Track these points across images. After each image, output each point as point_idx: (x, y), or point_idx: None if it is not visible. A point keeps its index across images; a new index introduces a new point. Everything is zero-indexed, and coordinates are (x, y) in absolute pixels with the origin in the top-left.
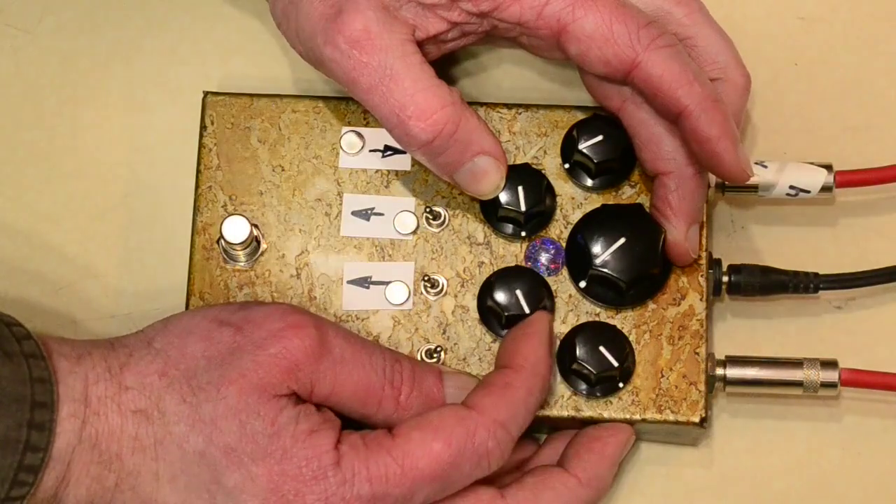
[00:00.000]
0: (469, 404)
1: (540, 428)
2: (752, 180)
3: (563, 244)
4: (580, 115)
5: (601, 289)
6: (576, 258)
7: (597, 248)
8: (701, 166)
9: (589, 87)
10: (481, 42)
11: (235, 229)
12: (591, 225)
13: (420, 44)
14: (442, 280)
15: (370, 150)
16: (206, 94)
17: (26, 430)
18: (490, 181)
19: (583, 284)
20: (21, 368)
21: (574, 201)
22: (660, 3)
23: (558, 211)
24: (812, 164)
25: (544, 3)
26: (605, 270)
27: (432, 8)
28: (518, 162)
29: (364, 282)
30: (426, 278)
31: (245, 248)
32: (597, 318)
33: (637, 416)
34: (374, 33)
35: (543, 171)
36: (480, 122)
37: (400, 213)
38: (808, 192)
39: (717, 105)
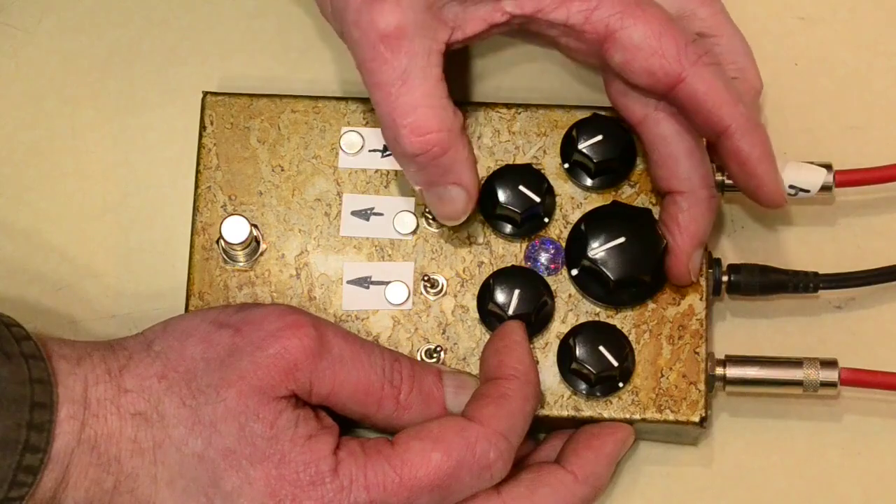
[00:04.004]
0: (469, 416)
1: (540, 428)
2: None
3: (563, 244)
4: (580, 115)
5: (590, 280)
6: (575, 246)
7: (595, 241)
8: (738, 186)
9: (612, 95)
10: (509, 36)
11: (235, 229)
12: (597, 218)
13: (451, 44)
14: (442, 280)
15: (370, 150)
16: (205, 94)
17: (25, 431)
18: (454, 209)
19: (574, 272)
20: (21, 369)
21: (574, 201)
22: (685, 2)
23: (558, 211)
24: (812, 163)
25: (593, 7)
26: (597, 263)
27: (475, 9)
28: (518, 162)
29: (364, 282)
30: (426, 278)
31: (245, 249)
32: (596, 318)
33: (637, 416)
34: (407, 34)
35: (543, 171)
36: (469, 156)
37: (399, 213)
38: (808, 191)
39: (759, 127)
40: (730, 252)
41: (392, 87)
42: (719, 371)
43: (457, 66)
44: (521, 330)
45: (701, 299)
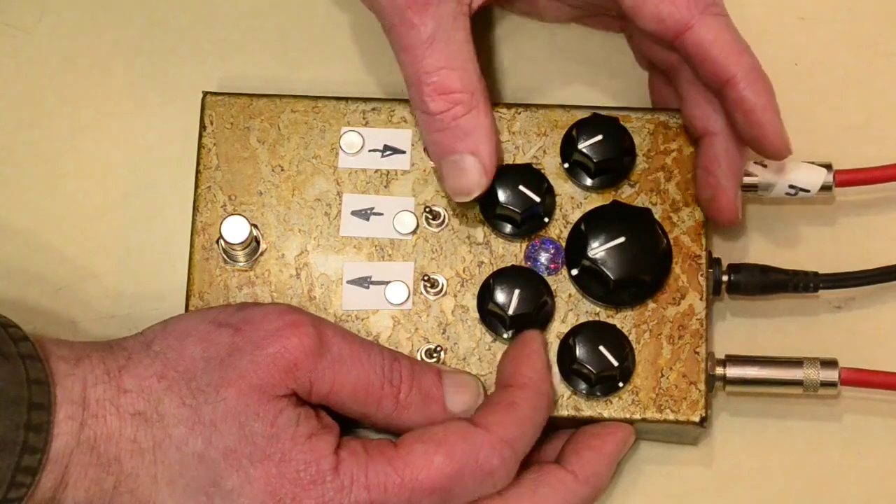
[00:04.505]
0: (475, 422)
1: None
2: (752, 180)
3: (563, 244)
4: (579, 115)
5: (590, 280)
6: (575, 245)
7: (595, 241)
8: (743, 138)
9: (640, 45)
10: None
11: (235, 229)
12: (597, 218)
13: (477, 6)
14: (442, 280)
15: (369, 150)
16: (205, 94)
17: (23, 432)
18: (468, 182)
19: (574, 272)
20: (18, 370)
21: (574, 201)
22: None
23: (558, 210)
24: (812, 163)
25: None
26: (597, 263)
27: None
28: (518, 161)
29: (364, 282)
30: (426, 278)
31: (245, 249)
32: (596, 318)
33: (637, 416)
34: None
35: (543, 171)
36: (490, 127)
37: (399, 213)
38: (808, 191)
39: (763, 77)
40: (730, 251)
41: (418, 49)
42: (719, 371)
43: None
44: (539, 339)
45: (701, 299)
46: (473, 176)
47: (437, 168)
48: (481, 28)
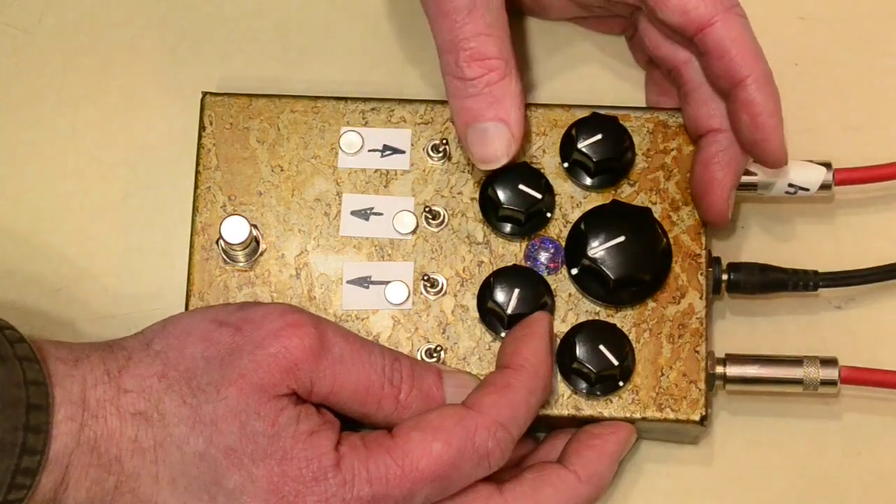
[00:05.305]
0: (469, 404)
1: (540, 427)
2: (751, 178)
3: (563, 243)
4: (579, 114)
5: (590, 280)
6: (574, 245)
7: (595, 240)
8: (744, 142)
9: (652, 43)
10: None
11: (235, 230)
12: (597, 217)
13: None
14: (441, 279)
15: (369, 150)
16: (204, 94)
17: (22, 433)
18: (494, 150)
19: (574, 272)
20: (15, 371)
21: (573, 200)
22: None
23: (557, 210)
24: (811, 161)
25: None
26: (596, 262)
27: None
28: (517, 161)
29: (363, 282)
30: (426, 278)
31: (244, 249)
32: (596, 317)
33: (637, 415)
34: None
35: (542, 170)
36: (520, 94)
37: (399, 213)
38: (808, 189)
39: (774, 85)
40: (730, 251)
41: (458, 14)
42: (719, 370)
43: None
44: (545, 322)
45: (701, 298)
46: (501, 143)
47: (461, 136)
48: None
